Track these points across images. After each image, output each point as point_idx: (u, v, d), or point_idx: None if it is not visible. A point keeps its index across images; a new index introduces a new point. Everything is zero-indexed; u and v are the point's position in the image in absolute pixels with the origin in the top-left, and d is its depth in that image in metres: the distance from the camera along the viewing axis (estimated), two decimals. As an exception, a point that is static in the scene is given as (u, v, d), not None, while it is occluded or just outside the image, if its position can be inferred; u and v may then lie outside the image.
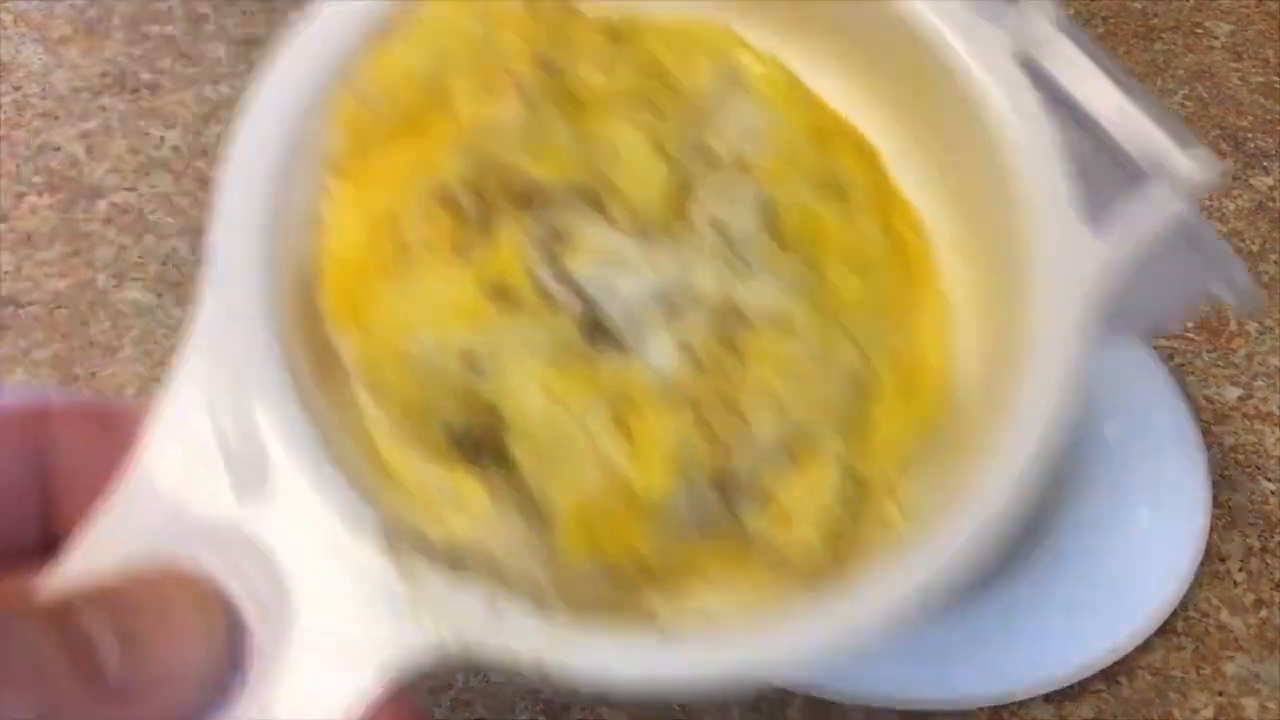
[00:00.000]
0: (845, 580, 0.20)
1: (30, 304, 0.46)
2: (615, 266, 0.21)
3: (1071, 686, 0.37)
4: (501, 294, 0.20)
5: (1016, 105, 0.21)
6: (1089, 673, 0.37)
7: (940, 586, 0.19)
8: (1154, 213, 0.21)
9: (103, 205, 0.50)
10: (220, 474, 0.19)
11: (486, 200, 0.21)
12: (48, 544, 0.21)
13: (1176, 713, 0.38)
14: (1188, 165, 0.21)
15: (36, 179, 0.51)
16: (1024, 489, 0.20)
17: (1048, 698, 0.37)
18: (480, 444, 0.21)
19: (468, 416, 0.20)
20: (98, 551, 0.19)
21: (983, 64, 0.21)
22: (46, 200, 0.50)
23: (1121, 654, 0.37)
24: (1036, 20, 0.21)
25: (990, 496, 0.20)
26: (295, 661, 0.19)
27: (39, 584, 0.20)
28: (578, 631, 0.19)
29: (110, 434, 0.21)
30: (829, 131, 0.23)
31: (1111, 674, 0.38)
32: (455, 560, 0.19)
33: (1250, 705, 0.38)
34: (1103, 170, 0.22)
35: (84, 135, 0.53)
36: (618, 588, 0.20)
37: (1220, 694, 0.38)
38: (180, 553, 0.19)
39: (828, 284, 0.21)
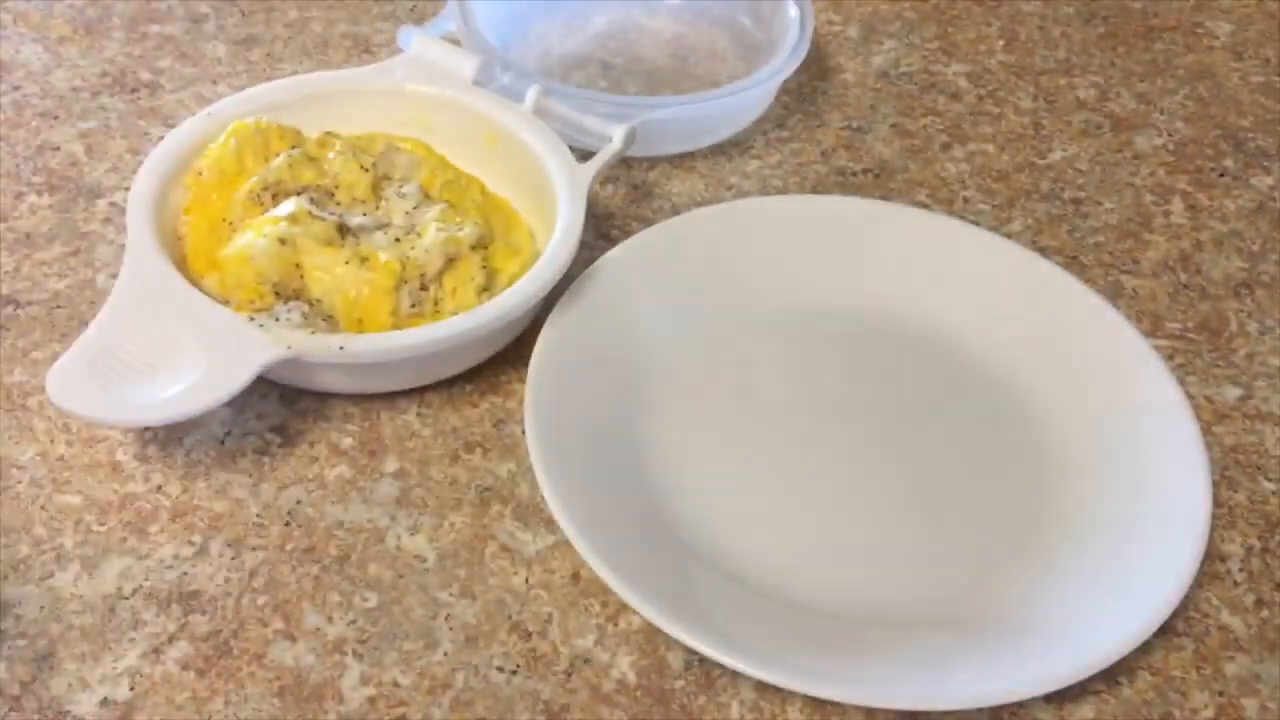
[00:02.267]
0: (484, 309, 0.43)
1: (29, 304, 0.46)
2: (351, 211, 0.46)
3: (1071, 687, 0.37)
4: (293, 220, 0.43)
5: (550, 142, 0.48)
6: (1089, 673, 0.37)
7: (513, 309, 0.43)
8: (604, 156, 0.48)
9: (102, 205, 0.50)
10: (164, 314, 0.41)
11: (275, 198, 0.45)
12: None
13: (1177, 713, 0.38)
14: (607, 139, 0.49)
15: (36, 179, 0.51)
16: (556, 270, 0.43)
17: (1048, 698, 0.37)
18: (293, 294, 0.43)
19: (284, 273, 0.43)
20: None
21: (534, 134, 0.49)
22: (46, 200, 0.50)
23: (1121, 654, 0.37)
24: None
25: (538, 278, 0.43)
26: (216, 369, 0.39)
27: None
28: (355, 341, 0.41)
29: None
30: (448, 164, 0.49)
31: (1112, 674, 0.38)
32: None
33: (1250, 706, 0.38)
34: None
35: (83, 135, 0.53)
36: None
37: (1220, 694, 0.38)
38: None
39: (462, 210, 0.47)
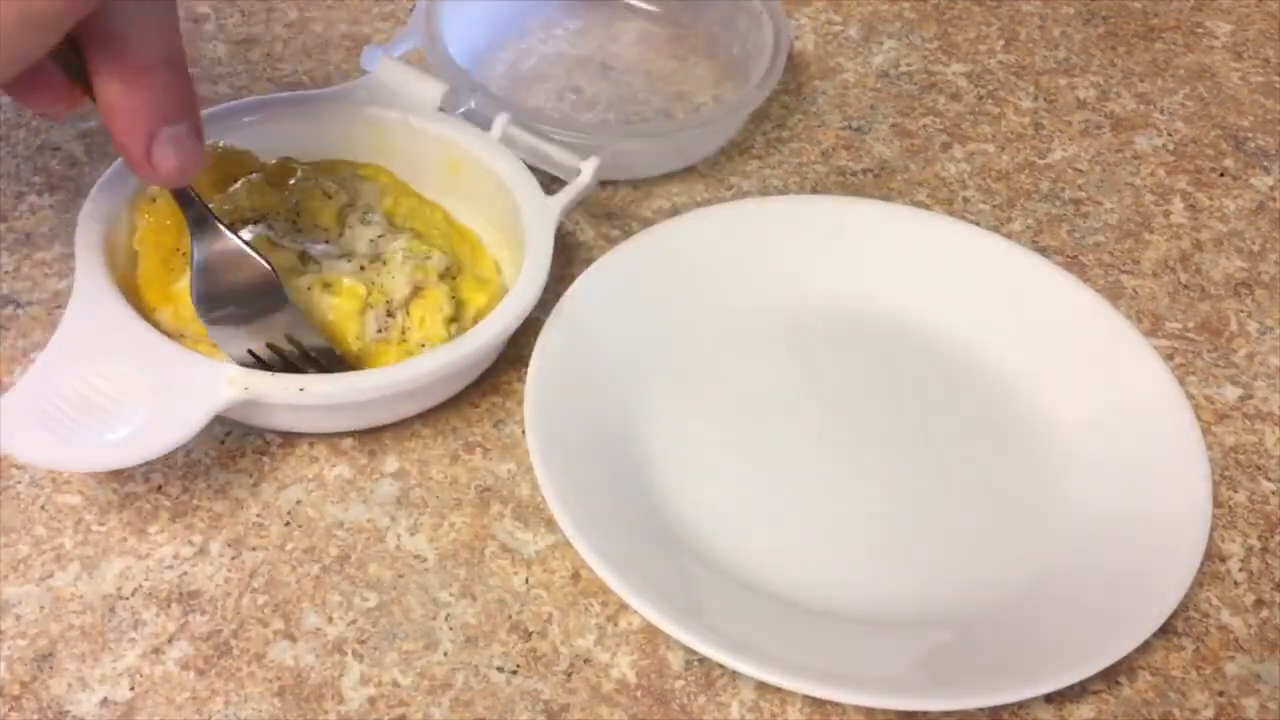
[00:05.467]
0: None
1: (29, 304, 0.46)
2: (313, 238, 0.44)
3: (1071, 687, 0.37)
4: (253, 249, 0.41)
5: (518, 173, 0.46)
6: (1089, 673, 0.37)
7: (480, 348, 0.41)
8: (573, 190, 0.47)
9: (102, 205, 0.50)
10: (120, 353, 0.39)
11: (231, 227, 0.41)
12: None
13: (1176, 713, 0.38)
14: (576, 171, 0.48)
15: (36, 179, 0.51)
16: (524, 308, 0.42)
17: (1048, 698, 0.37)
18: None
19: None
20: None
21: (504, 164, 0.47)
22: (46, 200, 0.50)
23: (1121, 654, 0.37)
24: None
25: (505, 315, 0.42)
26: (168, 412, 0.37)
27: None
28: (316, 382, 0.39)
29: None
30: (411, 191, 0.48)
31: (1111, 674, 0.38)
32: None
33: (1250, 705, 0.38)
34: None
35: (83, 135, 0.53)
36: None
37: (1220, 694, 0.38)
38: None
39: (428, 239, 0.45)
